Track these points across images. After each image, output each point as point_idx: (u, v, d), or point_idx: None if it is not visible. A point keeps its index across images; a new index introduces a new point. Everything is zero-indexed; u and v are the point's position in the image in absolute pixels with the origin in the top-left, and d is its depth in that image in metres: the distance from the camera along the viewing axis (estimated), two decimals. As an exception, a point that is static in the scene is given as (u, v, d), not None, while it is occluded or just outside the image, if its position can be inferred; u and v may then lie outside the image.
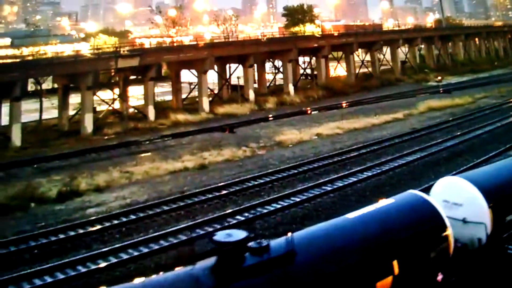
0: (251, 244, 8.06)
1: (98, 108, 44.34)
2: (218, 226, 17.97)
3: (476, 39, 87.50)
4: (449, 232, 9.97)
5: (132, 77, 47.44)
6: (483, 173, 13.00)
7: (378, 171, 23.89)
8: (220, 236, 7.93)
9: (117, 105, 44.32)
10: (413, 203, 10.27)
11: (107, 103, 43.58)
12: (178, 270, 8.19)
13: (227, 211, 19.37)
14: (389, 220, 9.56)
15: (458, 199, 11.24)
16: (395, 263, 8.97)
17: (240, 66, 51.80)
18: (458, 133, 31.12)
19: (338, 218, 9.75)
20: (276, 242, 8.35)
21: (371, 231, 9.16)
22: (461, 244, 10.68)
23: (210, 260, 7.94)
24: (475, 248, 10.88)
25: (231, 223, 18.25)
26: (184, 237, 17.25)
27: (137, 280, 8.24)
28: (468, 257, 10.68)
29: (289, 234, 8.51)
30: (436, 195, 11.40)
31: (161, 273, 8.66)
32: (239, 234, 7.96)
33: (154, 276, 8.51)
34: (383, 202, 10.25)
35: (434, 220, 9.93)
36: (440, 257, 9.77)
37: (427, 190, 12.65)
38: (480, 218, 10.93)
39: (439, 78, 60.63)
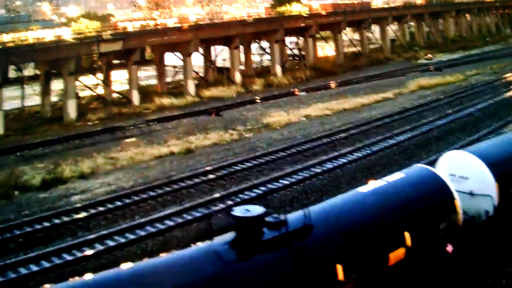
0: (269, 218, 8.34)
1: (81, 94, 43.49)
2: (206, 211, 17.58)
3: (467, 15, 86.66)
4: (458, 204, 10.28)
5: (115, 62, 46.58)
6: (488, 146, 13.24)
7: (368, 151, 23.58)
8: (239, 211, 8.16)
9: (100, 90, 43.69)
10: (422, 176, 10.60)
11: (90, 88, 42.88)
12: (199, 245, 8.44)
13: (215, 196, 18.96)
14: (400, 193, 9.89)
15: (465, 173, 11.51)
16: (406, 234, 9.26)
17: (226, 48, 50.99)
18: (449, 112, 30.83)
19: (351, 192, 10.25)
20: (293, 216, 8.64)
21: (383, 204, 9.51)
22: (469, 217, 10.94)
23: (230, 235, 8.18)
24: (483, 220, 11.15)
25: (218, 207, 17.85)
26: (171, 223, 16.85)
27: (159, 256, 8.49)
28: (476, 229, 10.93)
29: (306, 208, 8.83)
30: (442, 169, 11.57)
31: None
32: (257, 210, 8.22)
33: (175, 252, 8.71)
34: (393, 176, 10.60)
35: (443, 193, 10.24)
36: (450, 229, 10.10)
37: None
38: (486, 191, 11.18)
39: (430, 55, 60.33)
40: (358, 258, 8.72)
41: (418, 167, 11.32)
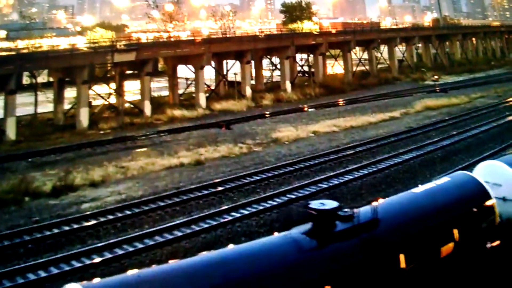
0: (341, 212, 9.22)
1: (94, 103, 44.03)
2: (214, 223, 17.93)
3: (474, 38, 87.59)
4: (496, 207, 11.49)
5: (128, 72, 47.22)
6: None
7: (374, 169, 23.90)
8: (315, 204, 9.11)
9: (113, 99, 44.05)
10: (465, 181, 11.82)
11: (103, 97, 43.27)
12: (277, 234, 9.18)
13: (223, 208, 19.31)
14: (448, 195, 11.09)
15: (498, 180, 12.58)
16: (455, 231, 10.35)
17: (237, 62, 51.65)
18: (454, 133, 31.17)
19: (407, 192, 11.44)
20: (362, 211, 9.49)
21: (435, 204, 10.64)
22: (503, 219, 11.90)
23: (306, 226, 9.00)
24: None
25: (226, 220, 18.20)
26: (179, 233, 17.20)
27: (241, 245, 9.33)
28: (510, 230, 12.00)
29: (372, 204, 9.80)
30: (478, 176, 12.47)
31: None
32: (331, 204, 9.17)
33: (256, 240, 9.57)
34: (441, 180, 11.94)
35: (483, 196, 11.40)
36: (489, 228, 11.25)
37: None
38: None
39: (436, 77, 60.68)
40: (417, 249, 9.71)
41: (462, 173, 12.58)
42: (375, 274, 9.02)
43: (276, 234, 9.30)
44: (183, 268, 8.13)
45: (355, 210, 9.49)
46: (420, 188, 11.41)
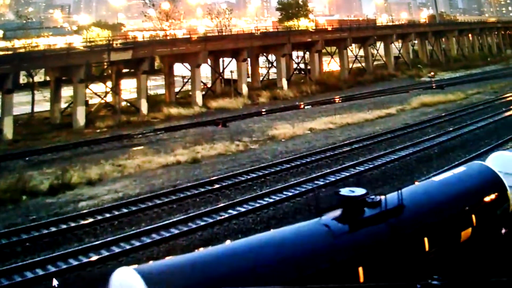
0: (368, 199, 9.75)
1: (91, 101, 44.10)
2: (210, 220, 18.01)
3: (470, 35, 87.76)
4: (509, 194, 11.99)
5: (124, 70, 47.26)
6: None
7: (371, 165, 23.99)
8: (345, 192, 9.68)
9: (109, 98, 44.14)
10: (481, 171, 12.32)
11: (99, 96, 43.39)
12: (308, 221, 9.64)
13: (220, 205, 19.39)
14: (465, 183, 11.69)
15: (510, 170, 12.86)
16: (473, 217, 10.93)
17: (234, 60, 51.68)
18: (451, 129, 31.28)
19: (427, 181, 12.18)
20: (388, 197, 10.00)
21: (455, 191, 11.27)
22: None
23: (336, 212, 9.56)
24: None
25: (223, 217, 18.28)
26: (176, 231, 17.28)
27: (275, 230, 9.73)
28: None
29: (397, 191, 10.24)
30: (491, 166, 12.99)
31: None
32: (360, 191, 9.71)
33: (287, 227, 9.91)
34: (457, 170, 12.53)
35: (499, 185, 11.92)
36: (504, 214, 11.82)
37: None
38: None
39: (432, 73, 60.86)
40: (439, 233, 10.31)
41: (477, 163, 13.08)
42: (402, 256, 9.60)
43: (306, 221, 9.75)
44: (226, 251, 8.70)
45: (382, 196, 10.02)
46: (439, 177, 12.11)
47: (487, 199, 11.55)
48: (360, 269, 8.89)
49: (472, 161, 14.56)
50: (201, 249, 9.60)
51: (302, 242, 8.92)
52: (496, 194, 11.78)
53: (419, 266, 9.82)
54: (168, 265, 8.35)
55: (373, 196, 9.92)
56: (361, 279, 8.85)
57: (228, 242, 9.62)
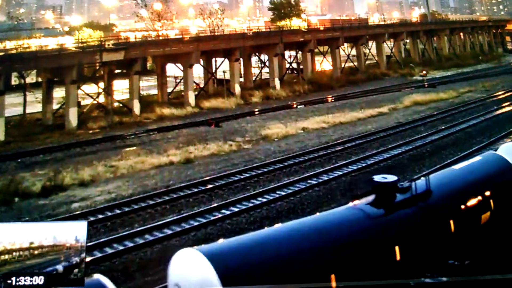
0: (399, 185, 10.66)
1: (83, 102, 43.97)
2: (204, 220, 18.02)
3: (461, 33, 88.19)
4: None
5: (117, 71, 47.09)
6: None
7: (363, 164, 24.10)
8: (378, 178, 10.62)
9: (102, 99, 43.98)
10: (495, 160, 13.17)
11: (91, 97, 43.21)
12: (344, 207, 10.56)
13: (213, 205, 19.41)
14: (483, 170, 12.61)
15: None
16: (491, 201, 11.80)
17: (226, 60, 51.66)
18: (443, 127, 31.47)
19: (450, 168, 13.20)
20: (417, 183, 10.82)
21: (474, 178, 12.17)
22: None
23: (370, 197, 10.48)
24: None
25: (216, 217, 18.30)
26: (169, 231, 17.27)
27: (315, 215, 10.53)
28: None
29: (425, 177, 11.23)
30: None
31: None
32: (392, 177, 10.66)
33: (326, 212, 10.85)
34: (475, 159, 13.44)
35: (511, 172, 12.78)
36: None
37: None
38: None
39: (424, 72, 61.14)
40: (463, 216, 11.20)
41: (492, 153, 13.95)
42: (431, 237, 10.51)
43: (342, 207, 10.71)
44: (278, 234, 9.53)
45: (412, 182, 10.84)
46: (460, 165, 13.12)
47: (503, 185, 12.45)
48: (397, 248, 9.87)
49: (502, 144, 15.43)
50: (251, 232, 10.35)
51: (343, 226, 9.85)
52: (510, 180, 12.70)
53: (446, 246, 10.83)
54: (228, 246, 9.09)
55: (403, 182, 10.87)
56: (398, 257, 9.85)
57: (277, 225, 10.44)
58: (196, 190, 21.40)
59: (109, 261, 15.54)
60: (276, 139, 31.00)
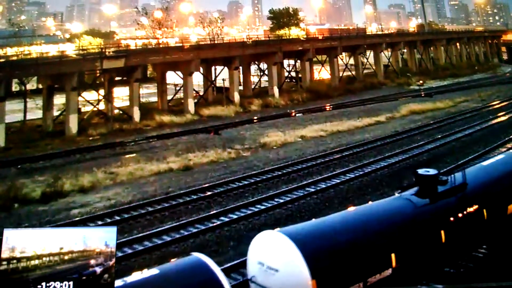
0: (439, 177, 12.05)
1: (83, 109, 44.15)
2: (202, 227, 18.20)
3: (458, 43, 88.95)
4: None
5: (117, 78, 47.31)
6: None
7: (361, 173, 24.33)
8: (421, 172, 12.06)
9: (102, 106, 44.17)
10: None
11: (92, 104, 43.42)
12: (391, 197, 12.12)
13: (212, 212, 19.59)
14: (508, 166, 13.89)
15: None
16: None
17: (226, 68, 52.02)
18: (439, 136, 31.76)
19: (479, 165, 14.57)
20: (455, 176, 12.27)
21: (501, 173, 13.55)
22: None
23: (414, 189, 11.95)
24: None
25: (215, 224, 18.49)
26: (168, 238, 17.43)
27: (363, 205, 11.79)
28: None
29: (462, 171, 12.75)
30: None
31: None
32: (433, 171, 12.13)
33: (373, 203, 11.97)
34: (499, 156, 14.99)
35: None
36: None
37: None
38: None
39: (421, 82, 61.61)
40: (494, 206, 12.62)
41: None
42: (469, 224, 11.91)
43: (387, 198, 12.28)
44: (343, 220, 10.73)
45: (450, 176, 12.25)
46: (488, 161, 14.57)
47: None
48: (442, 232, 11.31)
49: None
50: (319, 218, 11.39)
51: (396, 212, 11.21)
52: None
53: (480, 231, 12.27)
54: (305, 229, 10.24)
55: (442, 176, 12.21)
56: (443, 240, 11.28)
57: (337, 213, 11.46)
58: (195, 197, 21.55)
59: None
60: (274, 147, 31.25)
